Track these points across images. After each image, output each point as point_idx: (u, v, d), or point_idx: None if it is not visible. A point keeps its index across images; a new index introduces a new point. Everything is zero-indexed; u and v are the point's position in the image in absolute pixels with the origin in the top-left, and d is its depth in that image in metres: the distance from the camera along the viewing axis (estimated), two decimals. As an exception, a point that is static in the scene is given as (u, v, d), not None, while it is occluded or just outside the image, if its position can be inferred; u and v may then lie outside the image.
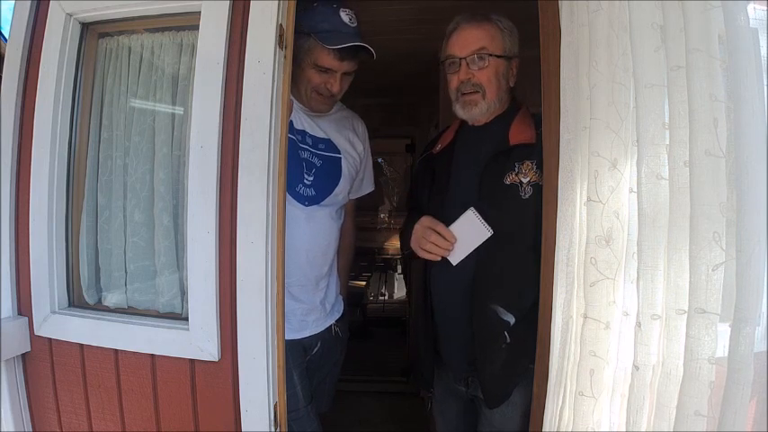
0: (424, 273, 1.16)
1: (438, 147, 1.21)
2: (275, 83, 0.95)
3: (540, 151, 0.96)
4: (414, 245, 1.09)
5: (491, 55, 1.02)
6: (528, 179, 1.00)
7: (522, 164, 1.02)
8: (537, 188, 0.99)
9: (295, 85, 1.22)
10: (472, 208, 1.00)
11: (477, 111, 1.07)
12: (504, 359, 1.03)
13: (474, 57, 1.03)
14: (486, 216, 1.02)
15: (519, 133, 1.05)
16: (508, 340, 1.02)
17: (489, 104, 1.06)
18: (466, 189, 1.08)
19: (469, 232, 1.01)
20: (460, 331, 1.09)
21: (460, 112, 1.09)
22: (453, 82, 1.08)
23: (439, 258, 1.04)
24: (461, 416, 1.24)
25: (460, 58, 1.04)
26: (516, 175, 1.02)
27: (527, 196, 1.00)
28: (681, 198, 0.61)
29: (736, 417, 0.53)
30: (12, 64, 1.08)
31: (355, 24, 1.16)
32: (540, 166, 0.98)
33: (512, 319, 1.02)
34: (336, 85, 1.19)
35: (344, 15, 1.14)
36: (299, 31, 1.00)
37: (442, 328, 1.14)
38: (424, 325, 1.16)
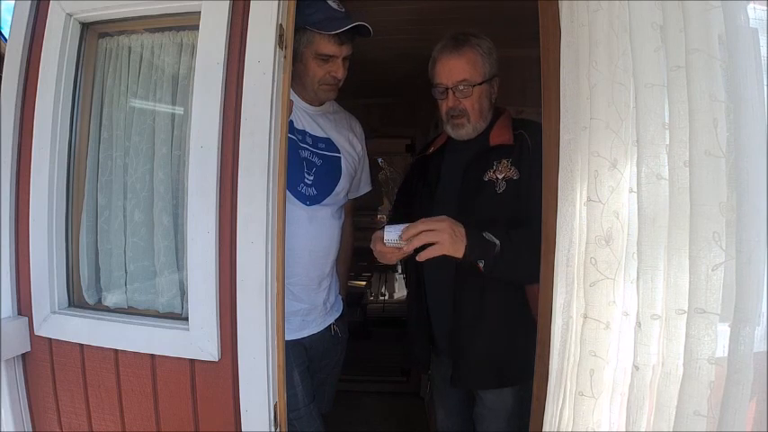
0: (418, 262, 1.19)
1: (431, 149, 1.32)
2: (275, 83, 0.95)
3: (518, 150, 1.12)
4: (386, 262, 1.13)
5: (473, 85, 1.13)
6: (503, 175, 1.12)
7: (500, 162, 1.13)
8: (510, 183, 1.11)
9: (300, 83, 1.23)
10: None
11: (464, 132, 1.19)
12: (482, 339, 1.12)
13: (458, 86, 1.14)
14: (465, 208, 1.13)
15: (498, 136, 1.17)
16: (487, 321, 1.12)
17: (475, 126, 1.18)
18: (451, 185, 1.18)
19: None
20: (445, 309, 1.18)
21: (451, 132, 1.21)
22: (443, 107, 1.19)
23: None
24: (462, 404, 1.30)
25: (446, 88, 1.15)
26: (494, 172, 1.13)
27: (501, 191, 1.11)
28: (681, 198, 0.60)
29: (736, 417, 0.53)
30: (12, 64, 1.08)
31: (344, 9, 1.19)
32: (515, 164, 1.11)
33: (489, 296, 1.13)
34: (340, 70, 1.22)
35: (332, 2, 1.17)
36: (295, 29, 1.01)
37: (433, 312, 1.23)
38: (417, 307, 1.26)
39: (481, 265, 1.03)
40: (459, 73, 1.13)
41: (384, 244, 1.03)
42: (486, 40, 1.16)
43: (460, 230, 1.00)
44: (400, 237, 1.01)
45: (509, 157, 1.12)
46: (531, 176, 1.06)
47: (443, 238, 0.98)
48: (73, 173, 1.11)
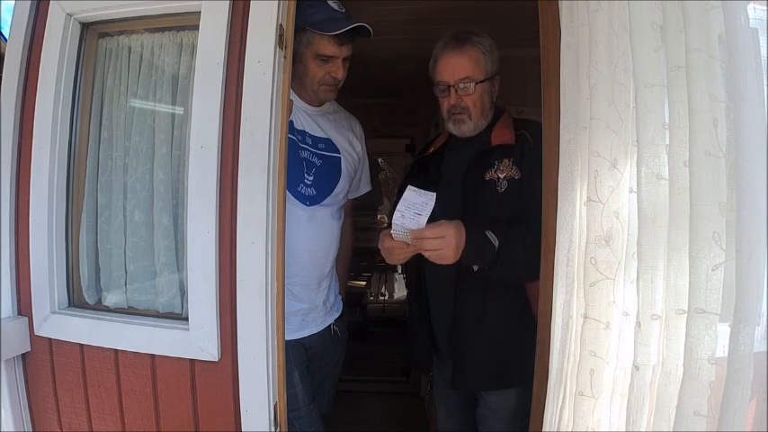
0: (418, 260, 1.20)
1: (431, 149, 1.31)
2: (275, 83, 0.95)
3: (519, 150, 1.12)
4: (392, 261, 1.12)
5: (475, 83, 1.13)
6: (504, 175, 1.12)
7: (501, 162, 1.13)
8: (512, 182, 1.11)
9: (300, 83, 1.23)
10: (409, 186, 1.03)
11: (465, 127, 1.18)
12: (483, 340, 1.12)
13: (460, 84, 1.13)
14: (467, 207, 1.12)
15: (500, 135, 1.17)
16: (488, 322, 1.12)
17: (476, 123, 1.18)
18: (452, 185, 1.18)
19: (416, 205, 1.01)
20: (445, 310, 1.18)
21: (452, 129, 1.20)
22: (444, 105, 1.19)
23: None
24: (463, 404, 1.30)
25: (448, 85, 1.14)
26: (495, 171, 1.13)
27: (503, 190, 1.11)
28: (681, 198, 0.60)
29: (736, 417, 0.53)
30: (12, 64, 1.08)
31: (344, 10, 1.19)
32: (517, 163, 1.11)
33: (490, 297, 1.12)
34: (340, 71, 1.21)
35: (332, 3, 1.17)
36: (295, 29, 1.01)
37: (434, 313, 1.23)
38: (418, 308, 1.26)
39: (475, 268, 1.04)
40: (461, 71, 1.12)
41: (392, 237, 1.02)
42: (487, 38, 1.16)
43: (462, 241, 1.00)
44: (409, 231, 0.99)
45: (510, 157, 1.12)
46: (532, 176, 1.06)
47: (447, 254, 0.99)
48: (73, 173, 1.11)
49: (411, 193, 1.02)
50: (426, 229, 0.99)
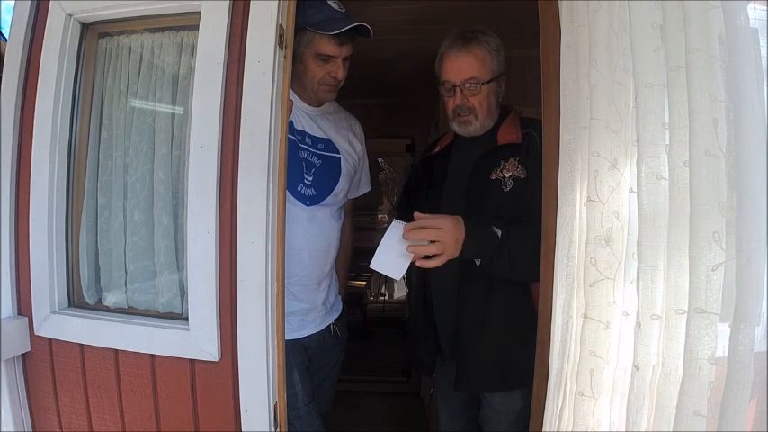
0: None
1: (437, 148, 1.30)
2: (275, 83, 0.95)
3: (525, 149, 1.11)
4: None
5: (481, 83, 1.12)
6: (510, 174, 1.11)
7: (507, 161, 1.12)
8: (517, 181, 1.10)
9: (300, 84, 1.23)
10: (394, 220, 1.04)
11: (471, 129, 1.17)
12: (486, 341, 1.12)
13: (466, 84, 1.12)
14: (472, 206, 1.12)
15: (506, 134, 1.16)
16: (492, 323, 1.12)
17: (482, 123, 1.16)
18: (458, 185, 1.18)
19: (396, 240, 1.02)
20: (449, 311, 1.18)
21: (458, 129, 1.19)
22: (450, 105, 1.18)
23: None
24: (466, 405, 1.29)
25: (454, 85, 1.13)
26: (500, 171, 1.12)
27: (508, 189, 1.10)
28: (681, 198, 0.60)
29: (736, 417, 0.53)
30: (12, 64, 1.08)
31: (344, 9, 1.18)
32: (522, 162, 1.10)
33: (494, 297, 1.12)
34: (340, 70, 1.21)
35: (332, 3, 1.17)
36: (295, 29, 1.01)
37: (438, 314, 1.23)
38: (422, 308, 1.26)
39: (478, 262, 1.04)
40: (467, 71, 1.11)
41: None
42: (493, 37, 1.14)
43: (461, 234, 0.99)
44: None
45: (516, 156, 1.11)
46: (536, 175, 1.05)
47: (447, 245, 0.98)
48: (73, 173, 1.11)
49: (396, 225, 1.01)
50: (424, 220, 0.98)
